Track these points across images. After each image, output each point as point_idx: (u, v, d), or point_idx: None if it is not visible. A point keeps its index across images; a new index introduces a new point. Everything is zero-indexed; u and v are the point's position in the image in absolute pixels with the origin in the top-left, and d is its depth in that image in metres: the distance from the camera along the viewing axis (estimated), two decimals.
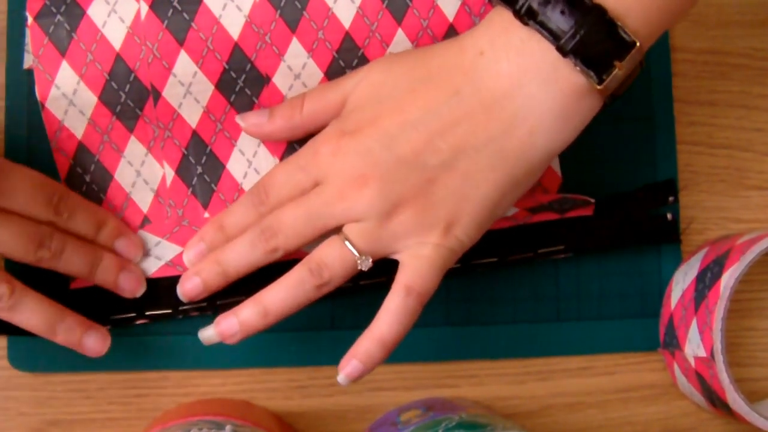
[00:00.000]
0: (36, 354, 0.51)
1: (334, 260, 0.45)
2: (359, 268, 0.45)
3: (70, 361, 0.51)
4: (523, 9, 0.42)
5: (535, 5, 0.41)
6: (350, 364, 0.46)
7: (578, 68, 0.41)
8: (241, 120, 0.49)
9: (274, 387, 0.53)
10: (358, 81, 0.47)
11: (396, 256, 0.46)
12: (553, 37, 0.41)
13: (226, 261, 0.47)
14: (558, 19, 0.41)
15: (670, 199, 0.55)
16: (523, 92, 0.43)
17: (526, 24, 0.42)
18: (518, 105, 0.43)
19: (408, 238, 0.45)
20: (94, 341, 0.48)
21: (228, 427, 0.45)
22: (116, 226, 0.50)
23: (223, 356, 0.52)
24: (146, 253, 0.51)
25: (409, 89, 0.45)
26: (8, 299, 0.45)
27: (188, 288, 0.48)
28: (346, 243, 0.45)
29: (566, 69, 0.42)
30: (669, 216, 0.54)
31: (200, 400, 0.53)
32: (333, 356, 0.52)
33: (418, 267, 0.45)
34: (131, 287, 0.50)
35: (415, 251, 0.45)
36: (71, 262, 0.47)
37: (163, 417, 0.50)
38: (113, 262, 0.49)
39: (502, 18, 0.43)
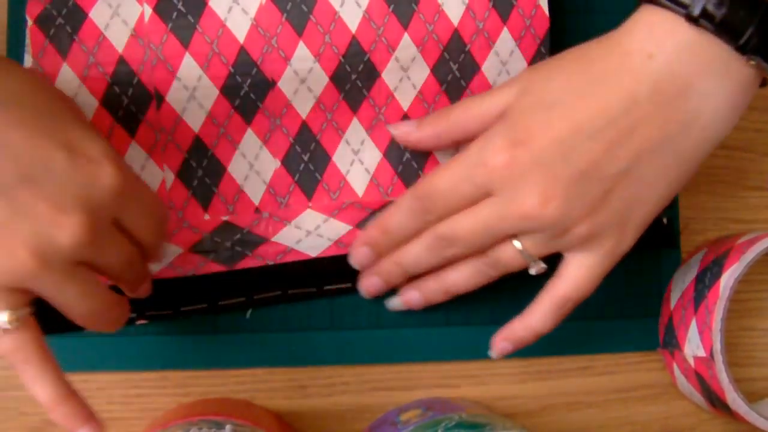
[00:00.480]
0: None
1: (509, 261, 0.47)
2: (531, 272, 0.47)
3: (70, 361, 0.51)
4: (696, 11, 0.42)
5: (710, 7, 0.41)
6: (501, 344, 0.50)
7: (752, 62, 0.42)
8: (393, 128, 0.51)
9: (274, 387, 0.53)
10: (519, 89, 0.46)
11: (563, 253, 0.47)
12: (730, 36, 0.42)
13: (405, 263, 0.49)
14: (734, 19, 0.42)
15: None
16: (697, 91, 0.43)
17: (697, 25, 0.42)
18: (693, 104, 0.43)
19: (579, 245, 0.46)
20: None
21: (228, 427, 0.45)
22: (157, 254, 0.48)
23: (223, 356, 0.53)
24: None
25: (577, 95, 0.44)
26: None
27: (370, 287, 0.51)
28: (521, 250, 0.46)
29: (738, 63, 0.42)
30: (665, 221, 0.54)
31: (200, 400, 0.53)
32: (333, 356, 0.53)
33: (580, 278, 0.46)
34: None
35: (581, 259, 0.46)
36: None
37: (163, 417, 0.51)
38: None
39: (664, 19, 0.43)
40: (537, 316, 0.48)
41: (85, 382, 0.52)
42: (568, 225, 0.44)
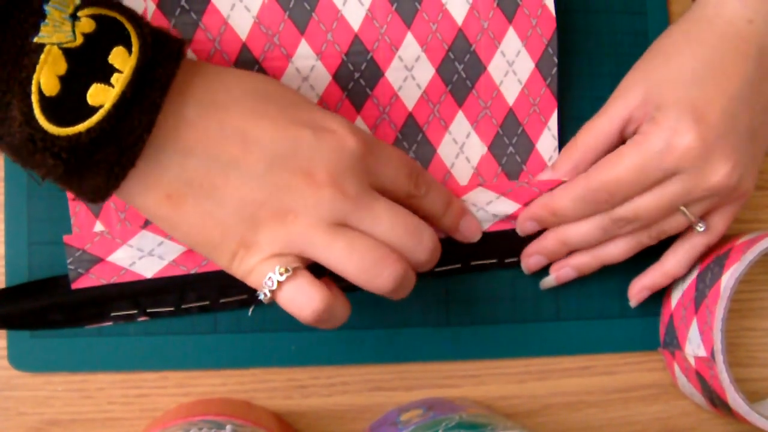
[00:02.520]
0: (36, 354, 0.51)
1: (675, 228, 0.50)
2: (698, 229, 0.51)
3: (70, 361, 0.51)
4: None
5: None
6: (642, 293, 0.54)
7: None
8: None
9: (274, 387, 0.53)
10: (641, 90, 0.49)
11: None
12: None
13: (572, 242, 0.52)
14: None
15: None
16: None
17: None
18: None
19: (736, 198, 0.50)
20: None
21: (228, 427, 0.45)
22: (461, 206, 0.51)
23: (223, 356, 0.52)
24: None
25: (712, 68, 0.47)
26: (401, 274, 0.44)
27: (533, 264, 0.53)
28: (690, 216, 0.49)
29: None
30: None
31: (200, 400, 0.52)
32: (333, 356, 0.53)
33: (724, 227, 0.51)
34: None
35: (730, 209, 0.50)
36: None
37: (163, 417, 0.50)
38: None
39: None
40: (676, 262, 0.52)
41: (85, 382, 0.52)
42: (737, 185, 0.48)
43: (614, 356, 0.55)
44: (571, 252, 0.52)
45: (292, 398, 0.53)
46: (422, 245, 0.44)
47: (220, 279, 0.50)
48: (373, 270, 0.43)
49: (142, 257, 0.50)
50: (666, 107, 0.47)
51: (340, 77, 0.50)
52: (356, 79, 0.50)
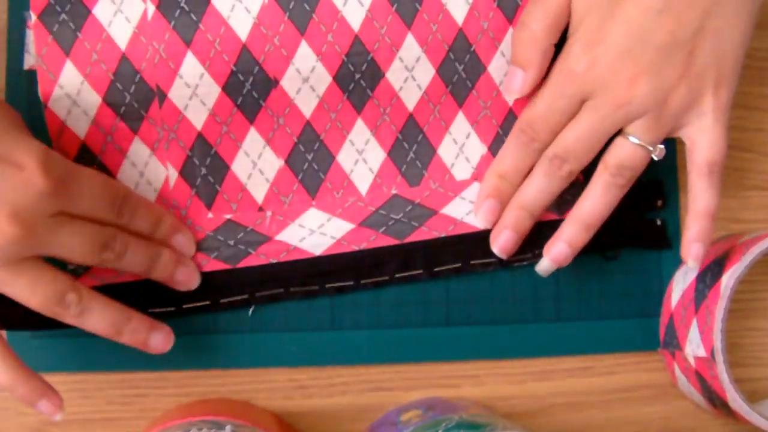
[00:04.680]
0: (36, 354, 0.51)
1: (632, 159, 0.48)
2: (654, 157, 0.48)
3: (70, 361, 0.51)
4: None
5: None
6: (695, 248, 0.49)
7: None
8: (509, 95, 0.50)
9: (274, 387, 0.53)
10: None
11: (680, 134, 0.49)
12: None
13: (529, 202, 0.50)
14: None
15: (659, 203, 0.55)
16: None
17: None
18: None
19: (687, 113, 0.47)
20: (160, 340, 0.48)
21: (228, 427, 0.45)
22: (172, 222, 0.50)
23: (223, 356, 0.52)
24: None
25: None
26: (76, 306, 0.45)
27: (503, 243, 0.51)
28: (635, 140, 0.47)
29: None
30: (659, 222, 0.54)
31: (200, 400, 0.53)
32: (333, 356, 0.53)
33: (711, 140, 0.48)
34: (187, 280, 0.50)
35: (699, 125, 0.48)
36: (133, 261, 0.47)
37: (163, 417, 0.50)
38: (170, 257, 0.49)
39: None
40: (699, 197, 0.49)
41: (84, 382, 0.52)
42: (664, 96, 0.46)
43: (614, 356, 0.55)
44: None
45: (292, 398, 0.53)
46: (114, 254, 0.45)
47: (221, 279, 0.51)
48: (57, 305, 0.44)
49: None
50: (575, 25, 0.47)
51: (340, 78, 0.50)
52: (357, 80, 0.50)
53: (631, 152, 0.48)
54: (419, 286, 0.53)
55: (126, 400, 0.53)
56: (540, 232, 0.52)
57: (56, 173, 0.42)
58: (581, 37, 0.47)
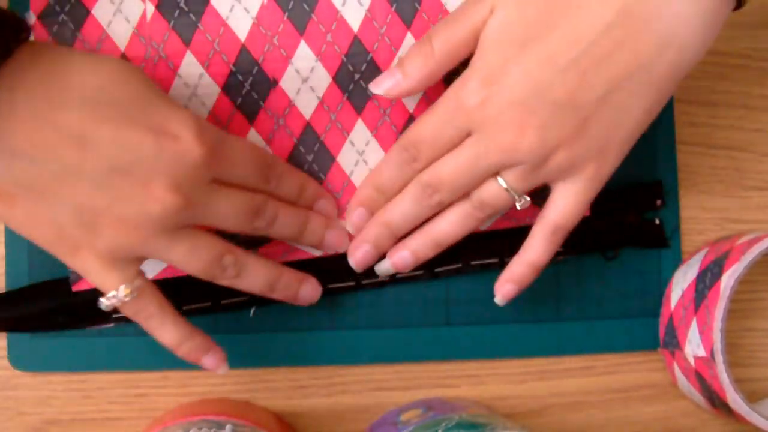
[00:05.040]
0: (36, 354, 0.51)
1: (495, 200, 0.47)
2: (517, 206, 0.47)
3: (70, 361, 0.51)
4: None
5: None
6: (505, 287, 0.49)
7: None
8: (375, 87, 0.48)
9: (274, 387, 0.53)
10: (486, 15, 0.45)
11: (549, 183, 0.47)
12: None
13: (394, 222, 0.49)
14: None
15: (658, 202, 0.55)
16: (671, 11, 0.42)
17: None
18: (666, 25, 0.43)
19: (561, 173, 0.46)
20: (309, 290, 0.50)
21: (228, 427, 0.45)
22: (316, 188, 0.51)
23: None
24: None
25: (548, 26, 0.43)
26: (234, 267, 0.46)
27: (360, 256, 0.50)
28: (504, 185, 0.46)
29: None
30: (657, 221, 0.54)
31: (200, 400, 0.53)
32: (333, 356, 0.53)
33: (567, 205, 0.47)
34: (338, 242, 0.51)
35: (568, 186, 0.46)
36: (283, 227, 0.48)
37: (163, 417, 0.50)
38: (320, 221, 0.50)
39: None
40: (532, 248, 0.48)
41: (84, 382, 0.52)
42: (547, 154, 0.45)
43: (614, 356, 0.55)
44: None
45: (292, 398, 0.53)
46: (265, 221, 0.46)
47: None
48: (215, 268, 0.45)
49: None
50: (478, 56, 0.45)
51: (340, 78, 0.50)
52: (356, 81, 0.50)
53: (496, 193, 0.47)
54: (419, 286, 0.53)
55: (126, 399, 0.53)
56: None
57: (210, 142, 0.43)
58: (480, 72, 0.45)
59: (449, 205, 0.48)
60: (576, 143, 0.45)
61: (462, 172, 0.46)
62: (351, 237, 0.51)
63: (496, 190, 0.47)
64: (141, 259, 0.44)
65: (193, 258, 0.44)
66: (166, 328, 0.46)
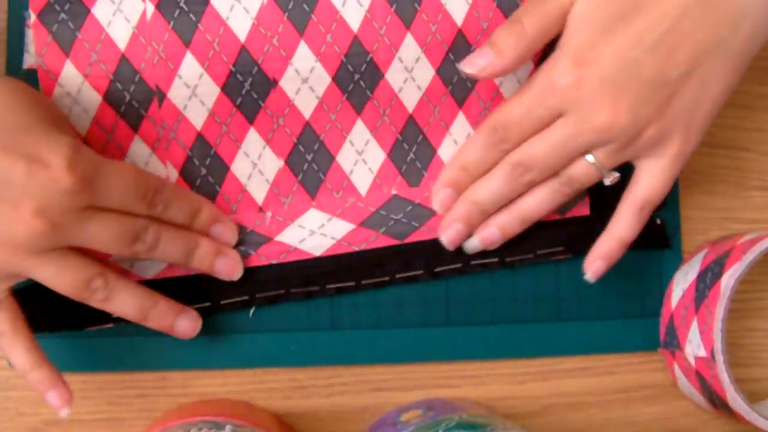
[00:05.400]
0: None
1: (585, 176, 0.49)
2: (606, 182, 0.49)
3: (70, 361, 0.51)
4: None
5: None
6: (595, 264, 0.50)
7: None
8: (468, 66, 0.48)
9: (274, 387, 0.53)
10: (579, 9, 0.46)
11: (633, 161, 0.49)
12: None
13: (484, 200, 0.50)
14: None
15: None
16: None
17: None
18: (740, 3, 0.45)
19: (649, 150, 0.48)
20: (186, 324, 0.49)
21: (228, 427, 0.45)
22: (211, 211, 0.50)
23: (223, 356, 0.52)
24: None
25: (633, 6, 0.45)
26: (102, 291, 0.46)
27: (452, 235, 0.51)
28: (594, 163, 0.48)
29: None
30: (658, 221, 0.54)
31: (200, 400, 0.53)
32: (333, 356, 0.53)
33: (654, 182, 0.49)
34: (228, 271, 0.51)
35: (653, 163, 0.48)
36: (167, 252, 0.48)
37: (163, 417, 0.50)
38: (209, 248, 0.50)
39: None
40: (620, 225, 0.49)
41: (84, 382, 0.52)
42: (638, 131, 0.47)
43: (614, 357, 0.55)
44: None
45: (292, 399, 0.53)
46: (146, 245, 0.46)
47: (221, 280, 0.51)
48: (83, 291, 0.46)
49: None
50: (568, 37, 0.47)
51: (339, 79, 0.50)
52: (356, 81, 0.50)
53: (586, 170, 0.48)
54: (419, 286, 0.53)
55: (126, 400, 0.53)
56: (541, 232, 0.52)
57: (82, 170, 0.43)
58: (570, 53, 0.46)
59: (538, 183, 0.50)
60: (663, 120, 0.47)
61: (554, 152, 0.48)
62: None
63: (585, 167, 0.48)
64: (11, 276, 0.45)
65: (59, 280, 0.45)
66: (16, 351, 0.46)
